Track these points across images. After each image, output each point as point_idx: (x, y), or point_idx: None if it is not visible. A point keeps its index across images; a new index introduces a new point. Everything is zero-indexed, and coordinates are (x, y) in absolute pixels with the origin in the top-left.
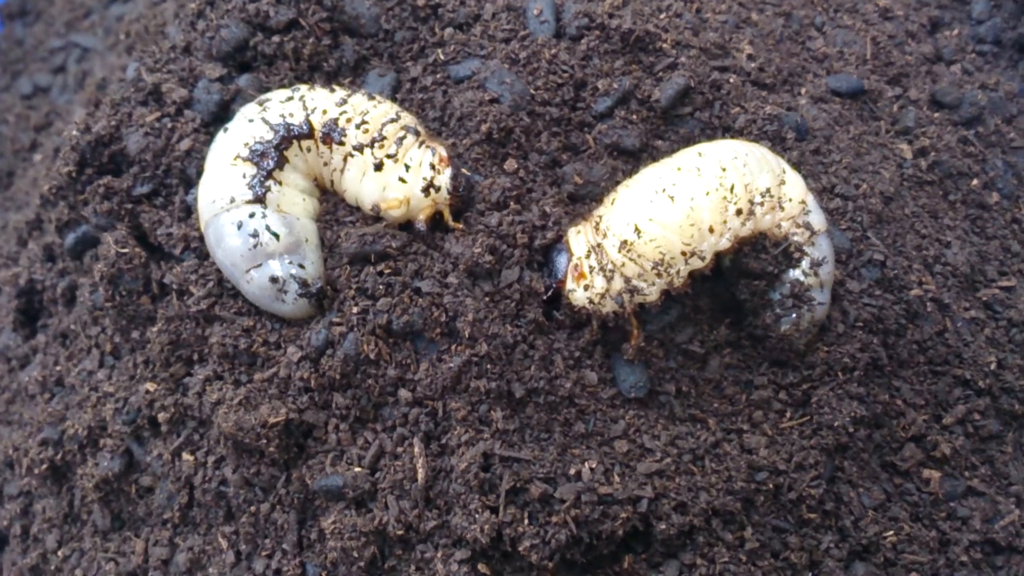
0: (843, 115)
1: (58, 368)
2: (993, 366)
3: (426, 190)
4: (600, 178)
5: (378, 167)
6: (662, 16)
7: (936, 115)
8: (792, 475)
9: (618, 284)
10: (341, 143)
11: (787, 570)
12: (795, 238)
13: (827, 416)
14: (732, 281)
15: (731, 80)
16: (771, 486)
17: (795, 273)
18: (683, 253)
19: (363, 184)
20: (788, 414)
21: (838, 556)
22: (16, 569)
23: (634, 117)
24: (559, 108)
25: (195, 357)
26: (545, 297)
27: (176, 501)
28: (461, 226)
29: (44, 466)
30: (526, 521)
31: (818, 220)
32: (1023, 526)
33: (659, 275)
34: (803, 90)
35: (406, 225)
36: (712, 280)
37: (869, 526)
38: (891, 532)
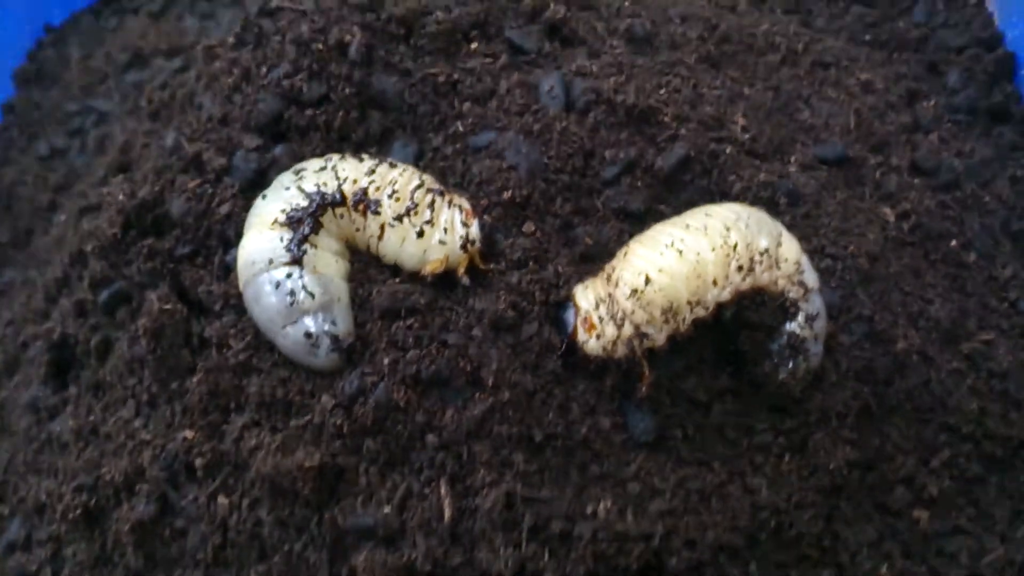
0: (830, 181)
1: (91, 418)
2: (976, 413)
3: (464, 246)
4: (608, 239)
5: (420, 234)
6: (662, 92)
7: (916, 181)
8: (792, 514)
9: (628, 330)
10: (377, 213)
11: None
12: (790, 295)
13: (823, 459)
14: (734, 333)
15: (727, 150)
16: (773, 524)
17: (792, 326)
18: (689, 302)
19: (403, 249)
20: (787, 457)
21: None
22: None
23: (639, 183)
24: (570, 175)
25: (232, 406)
26: (561, 351)
27: (210, 542)
28: (482, 267)
29: (78, 511)
30: (547, 556)
31: (811, 279)
32: (1008, 563)
33: (666, 321)
34: (793, 158)
35: (435, 282)
36: (714, 333)
37: (864, 561)
38: (885, 567)
